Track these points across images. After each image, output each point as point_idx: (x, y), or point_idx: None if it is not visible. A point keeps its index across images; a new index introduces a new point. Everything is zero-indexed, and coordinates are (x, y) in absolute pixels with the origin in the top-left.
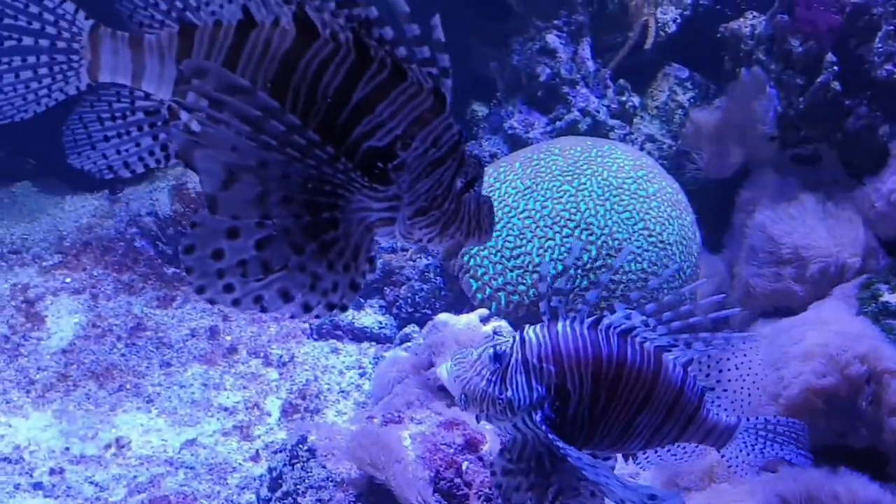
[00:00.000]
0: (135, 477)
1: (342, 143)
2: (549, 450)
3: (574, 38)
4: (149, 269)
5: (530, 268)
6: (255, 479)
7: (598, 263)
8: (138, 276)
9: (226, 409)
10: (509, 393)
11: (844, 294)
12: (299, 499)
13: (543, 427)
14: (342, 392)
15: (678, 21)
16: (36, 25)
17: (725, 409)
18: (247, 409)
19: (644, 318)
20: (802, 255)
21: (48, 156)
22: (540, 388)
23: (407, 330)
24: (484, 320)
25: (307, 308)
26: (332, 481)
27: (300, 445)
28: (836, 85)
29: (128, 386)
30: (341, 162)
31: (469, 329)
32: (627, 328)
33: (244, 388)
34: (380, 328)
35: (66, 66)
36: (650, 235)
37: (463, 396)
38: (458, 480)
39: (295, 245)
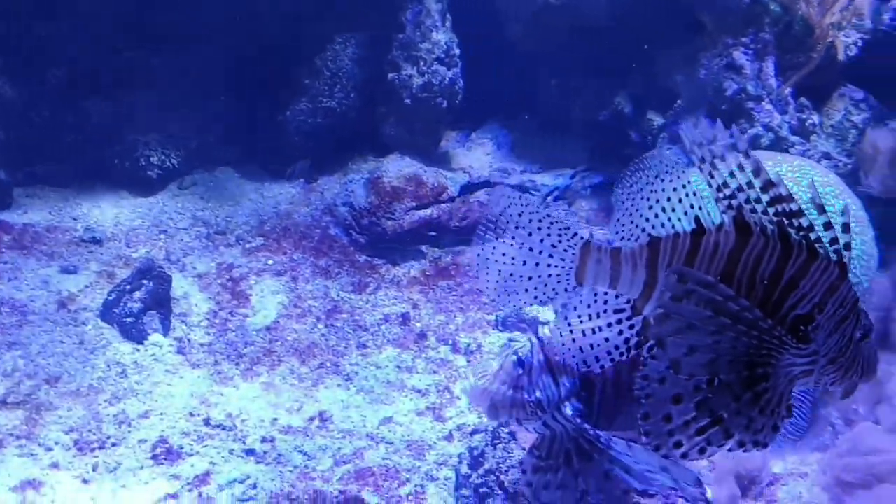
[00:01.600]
0: (339, 448)
1: (775, 314)
2: (577, 444)
3: (759, 55)
4: (343, 256)
5: None
6: (451, 457)
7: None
8: (333, 262)
9: (418, 391)
10: (538, 394)
11: None
12: (502, 476)
13: (577, 420)
14: None
15: (859, 44)
16: (546, 233)
17: None
18: (438, 392)
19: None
20: None
21: (251, 143)
22: (566, 383)
23: None
24: None
25: (741, 444)
26: None
27: (501, 428)
28: None
29: (328, 364)
30: (777, 330)
31: None
32: None
33: (434, 372)
34: None
35: (562, 269)
36: None
37: (492, 408)
38: None
39: (735, 394)
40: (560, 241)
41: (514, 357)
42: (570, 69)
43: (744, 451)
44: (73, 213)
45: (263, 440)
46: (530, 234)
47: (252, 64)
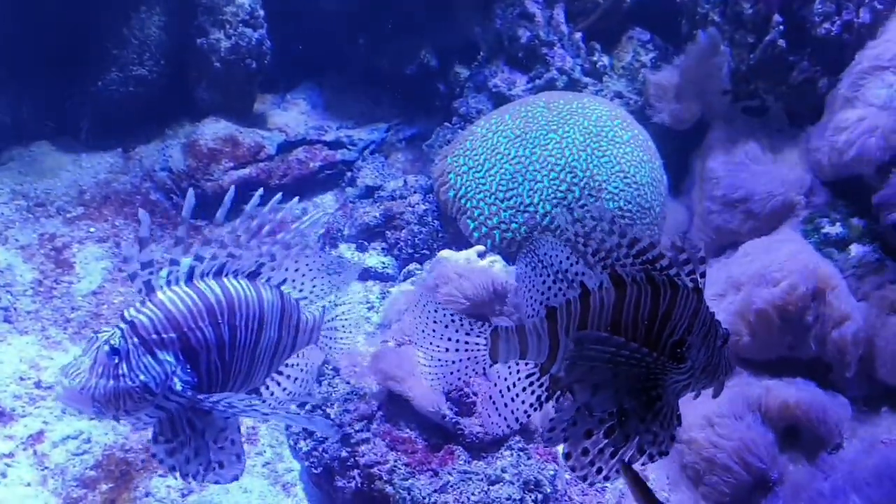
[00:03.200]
0: None
1: (657, 344)
2: (195, 410)
3: (549, 3)
4: (165, 220)
5: (521, 207)
6: None
7: (581, 202)
8: (156, 226)
9: None
10: (143, 377)
11: (791, 227)
12: (328, 409)
13: (188, 393)
14: None
15: None
16: (465, 329)
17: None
18: None
19: (227, 251)
20: (753, 195)
21: (65, 117)
22: (169, 358)
23: (410, 268)
24: (481, 255)
25: (651, 457)
26: (356, 395)
27: (325, 365)
28: (781, 43)
29: None
30: (661, 360)
31: (468, 262)
32: (220, 266)
33: None
34: (383, 268)
35: (477, 353)
36: (625, 177)
37: (96, 406)
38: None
39: (640, 417)
40: (472, 331)
41: (107, 347)
42: (375, 26)
43: (651, 462)
44: None
45: None
46: (445, 328)
47: (60, 38)
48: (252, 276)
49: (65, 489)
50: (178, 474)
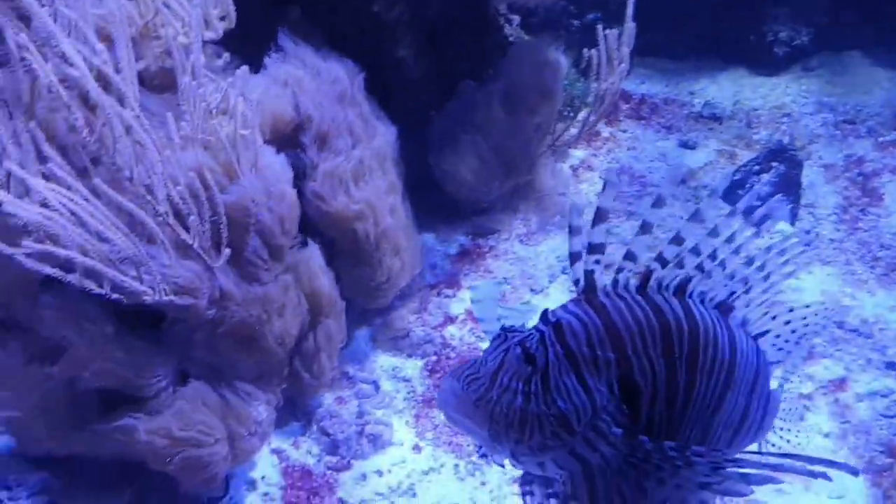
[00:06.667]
0: None
1: None
2: (625, 473)
3: None
4: None
5: None
6: None
7: None
8: None
9: None
10: (560, 404)
11: None
12: None
13: (628, 441)
14: None
15: None
16: None
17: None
18: None
19: (697, 261)
20: None
21: (886, 26)
22: (601, 388)
23: None
24: None
25: None
26: None
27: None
28: None
29: None
30: None
31: None
32: (683, 279)
33: None
34: None
35: None
36: None
37: (492, 428)
38: None
39: None
40: None
41: (519, 349)
42: None
43: None
44: (689, 87)
45: None
46: None
47: None
48: (722, 307)
49: (867, 451)
50: None
